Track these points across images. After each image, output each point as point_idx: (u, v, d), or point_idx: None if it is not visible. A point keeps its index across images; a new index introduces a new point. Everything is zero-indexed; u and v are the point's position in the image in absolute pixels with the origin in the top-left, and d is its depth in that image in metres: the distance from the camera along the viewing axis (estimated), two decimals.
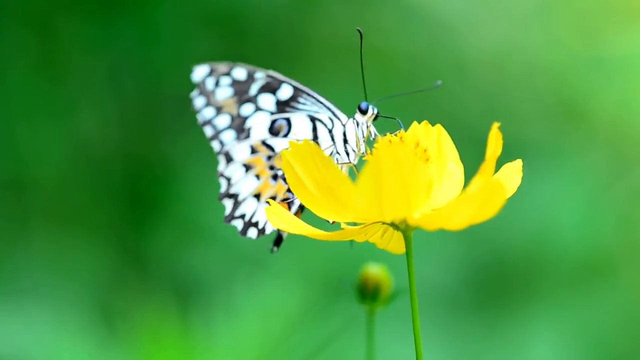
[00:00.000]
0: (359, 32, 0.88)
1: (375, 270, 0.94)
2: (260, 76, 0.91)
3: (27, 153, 2.09)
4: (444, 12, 2.37)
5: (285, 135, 0.90)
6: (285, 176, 0.71)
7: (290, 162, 0.69)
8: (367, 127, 0.87)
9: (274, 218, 0.74)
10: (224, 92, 0.92)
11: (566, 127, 2.32)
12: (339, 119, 0.90)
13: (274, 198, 0.90)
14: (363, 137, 0.88)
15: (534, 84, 2.40)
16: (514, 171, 0.76)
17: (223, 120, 0.92)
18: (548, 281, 2.03)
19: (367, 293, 0.93)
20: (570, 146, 2.23)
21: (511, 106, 2.39)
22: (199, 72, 0.92)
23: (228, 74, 0.92)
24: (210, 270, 1.91)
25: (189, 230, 2.02)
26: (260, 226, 0.90)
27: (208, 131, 0.93)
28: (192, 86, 0.86)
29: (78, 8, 2.20)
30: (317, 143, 0.89)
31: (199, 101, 0.93)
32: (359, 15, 2.41)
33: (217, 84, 0.92)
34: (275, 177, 0.90)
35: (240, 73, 0.92)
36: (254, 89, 0.91)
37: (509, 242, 2.03)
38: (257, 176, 0.90)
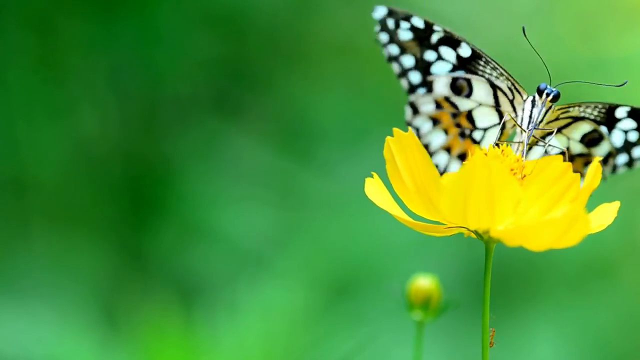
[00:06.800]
0: (523, 29, 0.91)
1: (426, 282, 0.93)
2: (439, 29, 0.90)
3: (28, 153, 2.09)
4: (444, 12, 2.37)
5: (467, 96, 0.89)
6: (386, 163, 0.71)
7: (391, 150, 0.69)
8: (542, 109, 0.87)
9: (372, 190, 0.74)
10: (405, 34, 0.91)
11: None
12: (519, 92, 0.89)
13: (463, 155, 0.90)
14: (536, 118, 0.87)
15: (535, 84, 2.39)
16: (609, 211, 0.76)
17: (408, 60, 0.91)
18: (548, 281, 2.03)
19: (417, 304, 0.92)
20: None
21: None
22: (379, 12, 0.91)
23: (407, 19, 0.91)
24: (213, 270, 1.90)
25: (191, 230, 2.01)
26: None
27: (395, 68, 0.92)
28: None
29: (78, 8, 2.20)
30: (499, 111, 0.89)
31: (383, 37, 0.92)
32: (359, 15, 2.41)
33: (397, 25, 0.91)
34: (462, 134, 0.90)
35: (418, 22, 0.90)
36: (434, 38, 0.90)
37: None
38: (445, 131, 0.90)
